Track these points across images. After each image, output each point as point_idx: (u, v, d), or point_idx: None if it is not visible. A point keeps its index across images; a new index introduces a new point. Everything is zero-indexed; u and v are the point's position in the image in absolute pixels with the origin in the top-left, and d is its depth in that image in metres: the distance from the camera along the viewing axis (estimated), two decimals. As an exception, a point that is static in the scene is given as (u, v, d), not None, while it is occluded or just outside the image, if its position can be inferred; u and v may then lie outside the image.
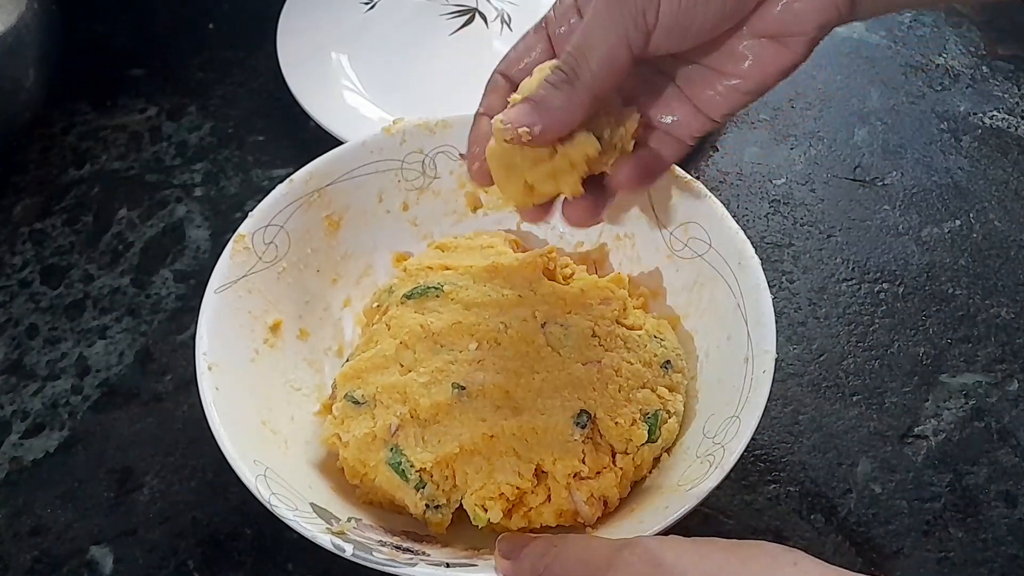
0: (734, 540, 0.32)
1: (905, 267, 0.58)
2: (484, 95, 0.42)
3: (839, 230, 0.60)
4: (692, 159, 0.63)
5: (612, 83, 0.37)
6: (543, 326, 0.45)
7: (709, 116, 0.40)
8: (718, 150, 0.64)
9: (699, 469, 0.41)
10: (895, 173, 0.63)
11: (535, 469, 0.42)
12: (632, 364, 0.45)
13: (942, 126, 0.66)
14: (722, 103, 0.39)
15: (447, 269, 0.48)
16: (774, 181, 0.63)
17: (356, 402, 0.44)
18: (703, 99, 0.40)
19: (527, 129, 0.37)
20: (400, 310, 0.47)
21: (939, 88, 0.68)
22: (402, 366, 0.45)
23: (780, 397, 0.52)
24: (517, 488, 0.42)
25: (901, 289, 0.57)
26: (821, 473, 0.49)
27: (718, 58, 0.38)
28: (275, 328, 0.48)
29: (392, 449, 0.43)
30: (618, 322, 0.47)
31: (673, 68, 0.40)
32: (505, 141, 0.38)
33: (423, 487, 0.42)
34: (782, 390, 0.52)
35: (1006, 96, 0.68)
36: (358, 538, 0.39)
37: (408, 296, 0.47)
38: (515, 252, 0.50)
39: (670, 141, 0.42)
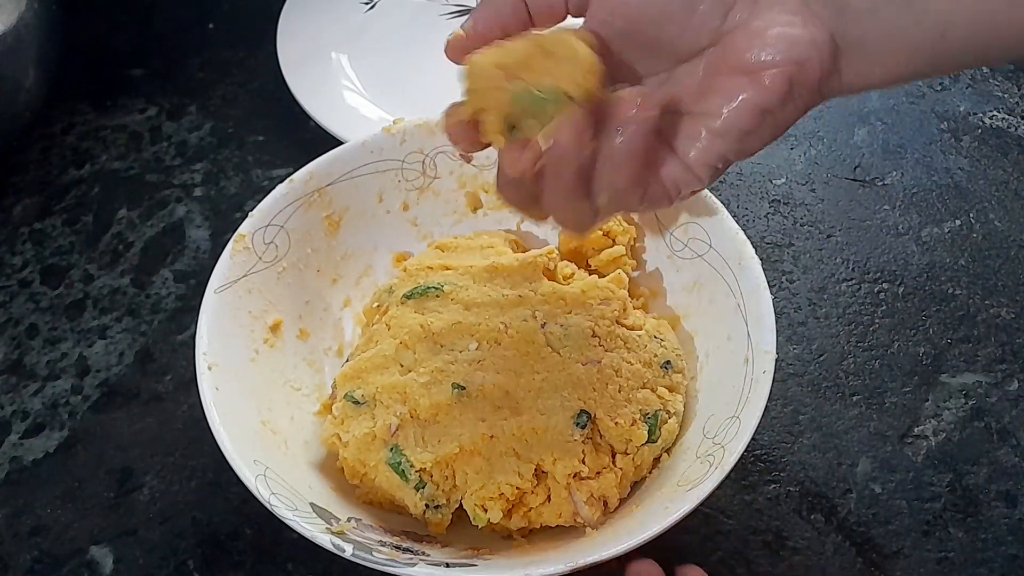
0: None
1: (905, 267, 0.58)
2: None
3: (839, 230, 0.60)
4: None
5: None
6: (543, 326, 0.45)
7: (690, 167, 0.36)
8: (718, 150, 0.64)
9: (699, 469, 0.41)
10: (895, 173, 0.63)
11: (535, 469, 0.42)
12: (632, 364, 0.45)
13: (942, 126, 0.66)
14: (700, 149, 0.35)
15: (447, 269, 0.48)
16: (774, 181, 0.63)
17: (356, 402, 0.44)
18: (681, 148, 0.36)
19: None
20: (400, 310, 0.47)
21: (939, 88, 0.68)
22: (402, 366, 0.45)
23: (780, 397, 0.52)
24: (517, 488, 0.42)
25: (901, 289, 0.57)
26: (821, 473, 0.49)
27: (692, 98, 0.35)
28: (275, 328, 0.48)
29: (392, 449, 0.43)
30: (618, 322, 0.47)
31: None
32: None
33: (423, 487, 0.42)
34: (782, 390, 0.52)
35: (1006, 96, 0.68)
36: (358, 538, 0.39)
37: (408, 296, 0.47)
38: (515, 252, 0.50)
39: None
